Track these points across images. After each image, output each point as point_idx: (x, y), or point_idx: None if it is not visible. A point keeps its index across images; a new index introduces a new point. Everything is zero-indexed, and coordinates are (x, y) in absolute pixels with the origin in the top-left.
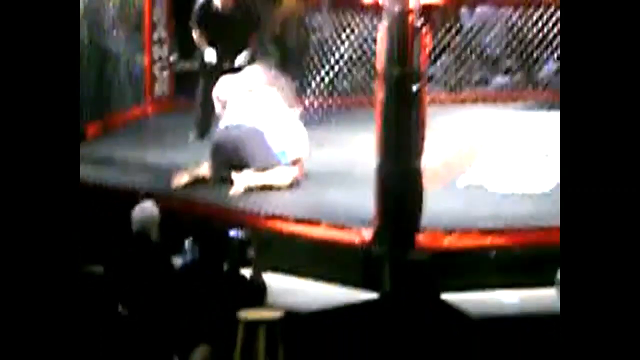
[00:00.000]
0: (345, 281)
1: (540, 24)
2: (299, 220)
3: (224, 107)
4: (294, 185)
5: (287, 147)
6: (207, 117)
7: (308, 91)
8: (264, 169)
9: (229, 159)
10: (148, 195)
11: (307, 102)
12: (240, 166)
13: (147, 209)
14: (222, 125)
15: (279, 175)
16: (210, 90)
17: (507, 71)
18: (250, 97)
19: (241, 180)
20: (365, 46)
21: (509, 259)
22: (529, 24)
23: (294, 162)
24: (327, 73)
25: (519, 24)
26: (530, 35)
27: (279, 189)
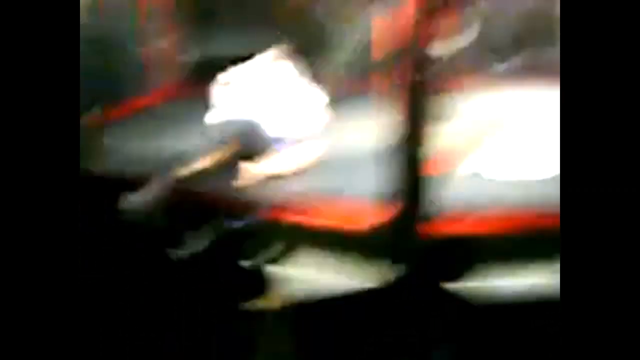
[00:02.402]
0: (353, 268)
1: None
2: (305, 208)
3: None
4: (300, 172)
5: (293, 131)
6: None
7: (322, 75)
8: (267, 158)
9: (235, 145)
10: (152, 184)
11: (321, 86)
12: (244, 157)
13: (148, 197)
14: (217, 115)
15: (284, 163)
16: None
17: (520, 54)
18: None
19: (247, 171)
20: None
21: (516, 245)
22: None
23: (301, 147)
24: (342, 56)
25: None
26: (550, 16)
27: (286, 176)
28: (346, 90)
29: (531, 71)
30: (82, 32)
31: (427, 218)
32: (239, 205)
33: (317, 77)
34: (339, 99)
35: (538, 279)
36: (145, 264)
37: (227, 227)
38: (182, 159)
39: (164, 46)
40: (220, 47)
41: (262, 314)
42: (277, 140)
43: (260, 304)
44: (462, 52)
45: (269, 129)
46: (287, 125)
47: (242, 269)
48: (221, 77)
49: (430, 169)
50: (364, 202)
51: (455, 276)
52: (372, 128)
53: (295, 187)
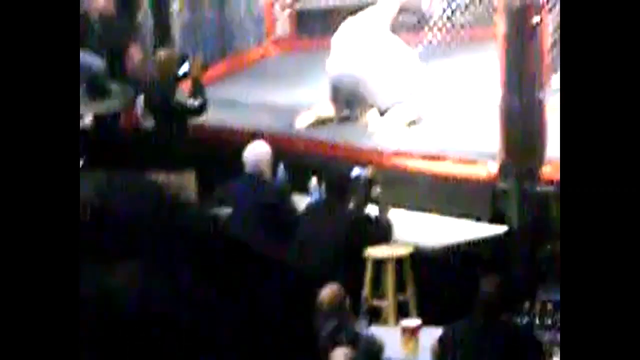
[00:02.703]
0: (472, 216)
1: None
2: (424, 156)
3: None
4: (417, 121)
5: (403, 86)
6: None
7: (429, 25)
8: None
9: (349, 97)
10: (267, 136)
11: (429, 36)
12: (361, 104)
13: (257, 148)
14: (336, 65)
15: (407, 112)
16: None
17: None
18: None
19: (379, 119)
20: None
21: None
22: None
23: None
24: (449, 5)
25: None
26: None
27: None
28: (458, 38)
29: None
30: None
31: (547, 163)
32: (357, 154)
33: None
34: (449, 47)
35: None
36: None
37: (346, 176)
38: (300, 110)
39: None
40: None
41: (383, 261)
42: (390, 90)
43: (381, 251)
44: None
45: (375, 84)
46: (393, 78)
47: (363, 216)
48: (334, 29)
49: (542, 117)
50: (482, 150)
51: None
52: (485, 76)
53: (411, 134)
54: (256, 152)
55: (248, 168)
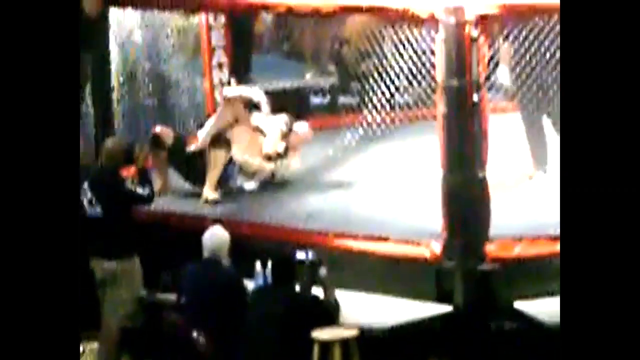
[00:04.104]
0: (417, 296)
1: None
2: (367, 237)
3: None
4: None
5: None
6: None
7: (369, 106)
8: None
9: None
10: (212, 220)
11: (368, 118)
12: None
13: (217, 233)
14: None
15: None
16: None
17: None
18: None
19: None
20: (424, 59)
21: None
22: None
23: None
24: (387, 87)
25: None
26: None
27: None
28: (397, 120)
29: None
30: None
31: (491, 241)
32: (301, 236)
33: (365, 107)
34: (388, 128)
35: None
36: (215, 299)
37: (291, 258)
38: None
39: (219, 82)
40: None
41: (330, 343)
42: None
43: (328, 333)
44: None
45: None
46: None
47: (309, 299)
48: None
49: (492, 192)
50: (425, 230)
51: (525, 297)
52: (425, 156)
53: (354, 215)
54: (215, 237)
55: (206, 252)
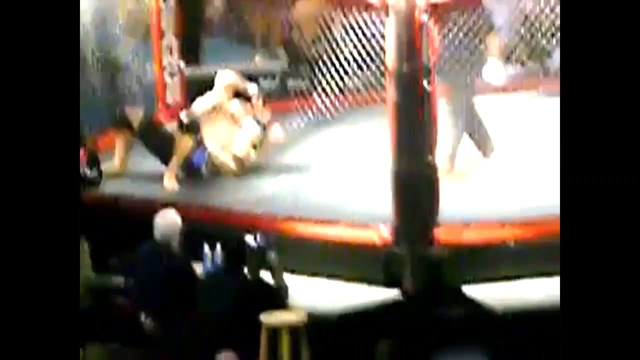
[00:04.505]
0: (366, 280)
1: (549, 10)
2: (317, 221)
3: None
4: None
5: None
6: None
7: (319, 91)
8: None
9: None
10: (162, 204)
11: (318, 102)
12: None
13: (169, 217)
14: None
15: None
16: None
17: (518, 61)
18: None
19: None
20: (373, 43)
21: (528, 249)
22: (539, 10)
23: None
24: (337, 72)
25: (529, 11)
26: (541, 23)
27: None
28: (347, 103)
29: (540, 75)
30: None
31: (440, 226)
32: (251, 220)
33: (315, 91)
34: (339, 112)
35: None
36: (164, 282)
37: (240, 242)
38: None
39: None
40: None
41: (278, 328)
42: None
43: (276, 318)
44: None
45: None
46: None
47: (258, 283)
48: None
49: (434, 181)
50: (375, 214)
51: (474, 282)
52: (375, 141)
53: (305, 200)
54: (167, 220)
55: (158, 235)
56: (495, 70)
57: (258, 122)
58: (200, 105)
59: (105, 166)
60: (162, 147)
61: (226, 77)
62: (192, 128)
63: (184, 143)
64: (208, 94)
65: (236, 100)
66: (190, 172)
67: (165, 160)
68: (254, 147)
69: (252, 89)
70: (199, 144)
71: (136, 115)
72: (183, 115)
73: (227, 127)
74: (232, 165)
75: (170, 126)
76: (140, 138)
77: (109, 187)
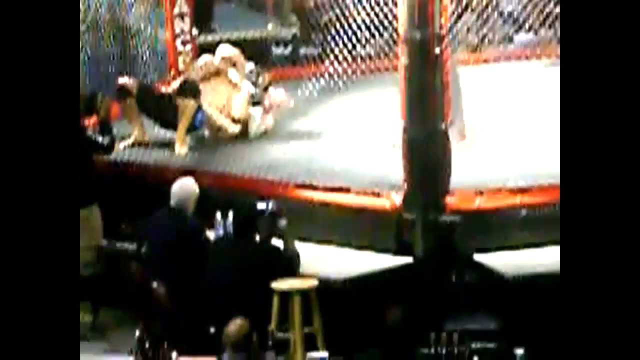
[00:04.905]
0: (377, 247)
1: None
2: (328, 188)
3: None
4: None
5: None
6: None
7: (330, 58)
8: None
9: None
10: (172, 170)
11: (330, 68)
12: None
13: (187, 184)
14: None
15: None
16: None
17: (530, 28)
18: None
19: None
20: (386, 11)
21: (540, 217)
22: None
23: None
24: (349, 39)
25: None
26: None
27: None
28: (359, 70)
29: (552, 42)
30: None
31: (451, 193)
32: (262, 187)
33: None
34: (350, 79)
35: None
36: (177, 248)
37: (251, 209)
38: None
39: (180, 31)
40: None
41: (290, 293)
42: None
43: (287, 284)
44: (478, 26)
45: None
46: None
47: (269, 249)
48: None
49: (446, 147)
50: (386, 180)
51: (485, 250)
52: (386, 108)
53: (314, 167)
54: (185, 188)
55: (173, 202)
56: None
57: (255, 84)
58: (199, 69)
59: (127, 140)
60: (164, 114)
61: (226, 50)
62: (193, 92)
63: (189, 107)
64: (205, 60)
65: (233, 70)
66: (195, 135)
67: (168, 127)
68: (253, 104)
69: (249, 66)
70: (199, 107)
71: (131, 85)
72: (181, 81)
73: (225, 91)
74: (230, 128)
75: (169, 92)
76: (140, 107)
77: (120, 154)
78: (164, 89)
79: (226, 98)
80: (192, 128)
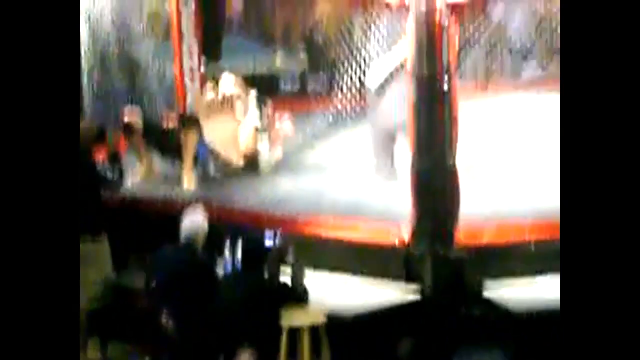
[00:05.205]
0: (386, 280)
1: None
2: (337, 221)
3: None
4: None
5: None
6: None
7: (338, 91)
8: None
9: None
10: (181, 203)
11: (338, 103)
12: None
13: (197, 220)
14: None
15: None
16: None
17: (539, 64)
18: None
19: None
20: (394, 46)
21: (549, 251)
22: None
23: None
24: (357, 72)
25: (547, 12)
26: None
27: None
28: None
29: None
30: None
31: (460, 227)
32: (270, 220)
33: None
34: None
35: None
36: (187, 283)
37: (260, 242)
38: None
39: (189, 68)
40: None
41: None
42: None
43: (296, 318)
44: (486, 61)
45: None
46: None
47: (277, 283)
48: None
49: (455, 182)
50: (394, 214)
51: (493, 284)
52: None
53: (324, 200)
54: (194, 224)
55: (183, 236)
56: None
57: (260, 112)
58: (205, 105)
59: (135, 175)
60: (169, 149)
61: (229, 82)
62: (193, 125)
63: (190, 141)
64: (210, 96)
65: (239, 102)
66: (200, 170)
67: (174, 161)
68: (257, 130)
69: (252, 94)
70: (201, 140)
71: (136, 122)
72: (180, 115)
73: (231, 125)
74: (237, 161)
75: (172, 124)
76: (147, 143)
77: (129, 188)
78: (170, 124)
79: (232, 132)
80: (197, 162)
